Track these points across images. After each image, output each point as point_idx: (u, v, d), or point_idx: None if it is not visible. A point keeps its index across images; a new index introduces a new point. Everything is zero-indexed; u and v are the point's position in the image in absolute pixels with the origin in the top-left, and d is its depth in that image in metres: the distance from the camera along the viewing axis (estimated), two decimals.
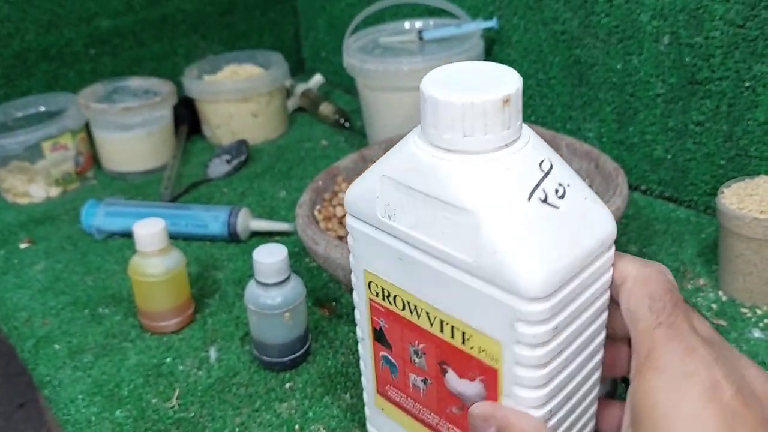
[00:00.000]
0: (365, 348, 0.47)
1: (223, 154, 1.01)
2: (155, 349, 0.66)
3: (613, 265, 0.40)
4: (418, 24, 0.97)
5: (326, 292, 0.72)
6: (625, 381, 0.41)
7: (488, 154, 0.37)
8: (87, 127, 1.00)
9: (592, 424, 0.44)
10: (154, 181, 0.98)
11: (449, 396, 0.42)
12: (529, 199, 0.36)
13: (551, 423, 0.39)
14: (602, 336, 0.41)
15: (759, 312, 0.65)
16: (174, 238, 0.81)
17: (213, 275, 0.76)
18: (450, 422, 0.43)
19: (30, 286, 0.77)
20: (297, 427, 0.57)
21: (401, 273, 0.41)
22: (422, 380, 0.44)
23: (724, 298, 0.67)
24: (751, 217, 0.62)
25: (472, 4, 0.94)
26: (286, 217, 0.86)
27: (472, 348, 0.39)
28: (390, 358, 0.45)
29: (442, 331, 0.40)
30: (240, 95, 1.03)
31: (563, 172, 0.38)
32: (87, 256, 0.82)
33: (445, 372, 0.42)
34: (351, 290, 0.47)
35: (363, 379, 0.50)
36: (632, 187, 0.85)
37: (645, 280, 0.39)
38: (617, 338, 0.42)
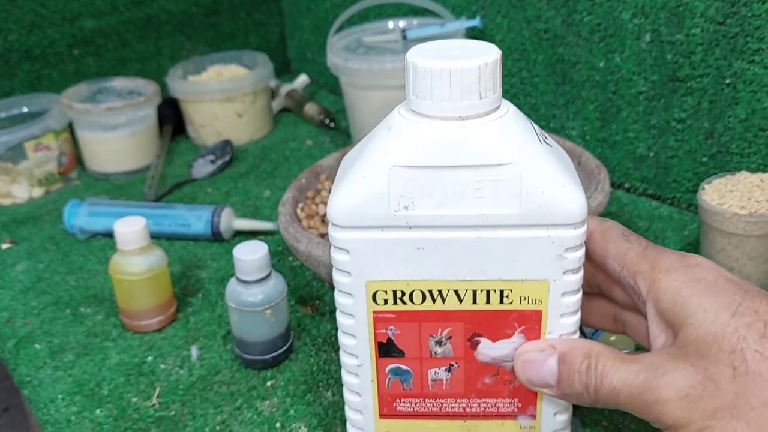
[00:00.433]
0: (363, 373, 0.45)
1: (207, 154, 1.01)
2: (137, 348, 0.66)
3: None
4: (402, 23, 0.97)
5: (309, 291, 0.72)
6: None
7: (495, 112, 0.39)
8: (70, 128, 0.99)
9: None
10: (138, 182, 0.97)
11: (480, 369, 0.44)
12: (540, 142, 0.39)
13: None
14: None
15: None
16: (157, 237, 0.81)
17: (196, 274, 0.76)
18: (480, 397, 0.45)
19: (11, 286, 0.76)
20: (278, 425, 0.56)
21: (420, 264, 0.41)
22: (445, 369, 0.44)
23: None
24: (732, 213, 0.62)
25: (456, 4, 0.94)
26: (270, 217, 0.85)
27: (511, 303, 0.41)
28: (401, 366, 0.44)
29: (475, 302, 0.42)
30: (224, 95, 1.02)
31: None
32: (69, 256, 0.81)
33: (476, 345, 0.43)
34: (333, 288, 0.46)
35: (354, 416, 0.47)
36: (616, 185, 0.86)
37: (609, 228, 0.43)
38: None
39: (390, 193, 0.39)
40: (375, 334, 0.43)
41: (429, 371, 0.44)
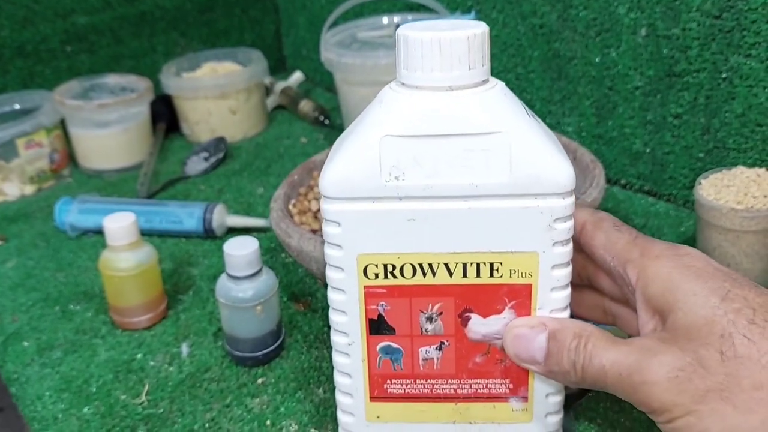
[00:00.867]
0: (354, 352, 0.45)
1: (201, 151, 1.00)
2: (126, 345, 0.65)
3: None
4: (397, 19, 0.96)
5: (302, 287, 0.71)
6: None
7: (485, 84, 0.40)
8: (63, 125, 0.98)
9: None
10: (131, 179, 0.96)
11: (471, 348, 0.44)
12: (528, 115, 0.40)
13: None
14: None
15: None
16: (149, 234, 0.80)
17: (188, 271, 0.75)
18: (471, 377, 0.45)
19: (0, 283, 0.75)
20: (268, 422, 0.55)
21: (411, 236, 0.41)
22: (436, 347, 0.44)
23: None
24: (728, 208, 0.61)
25: None
26: (263, 215, 0.85)
27: (501, 276, 0.41)
28: (392, 345, 0.44)
29: (465, 275, 0.42)
30: (218, 92, 1.02)
31: None
32: (60, 253, 0.80)
33: (466, 322, 0.43)
34: (325, 285, 0.46)
35: (344, 399, 0.47)
36: (612, 182, 0.85)
37: (601, 219, 0.43)
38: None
39: (381, 163, 0.40)
40: (366, 310, 0.43)
41: (420, 350, 0.44)
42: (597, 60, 0.81)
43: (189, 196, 0.92)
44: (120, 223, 0.64)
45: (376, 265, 0.42)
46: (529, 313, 0.42)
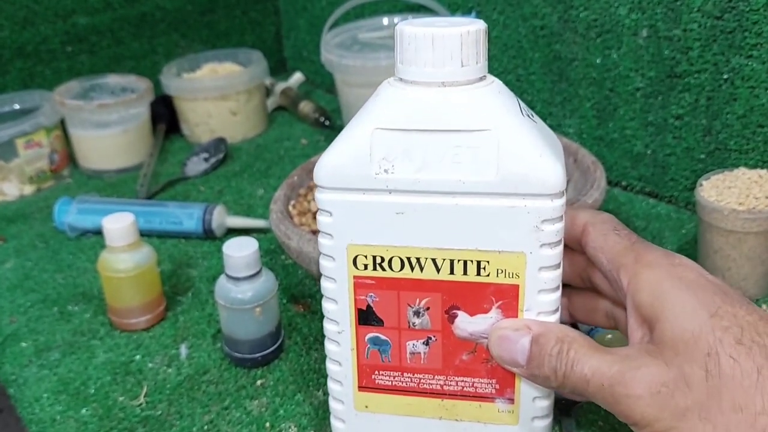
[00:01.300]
0: (343, 341, 0.46)
1: (201, 152, 1.00)
2: (124, 347, 0.65)
3: (570, 217, 0.44)
4: (397, 20, 0.96)
5: (302, 289, 0.71)
6: None
7: (479, 82, 0.39)
8: (63, 125, 0.98)
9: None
10: (131, 180, 0.96)
11: (458, 345, 0.44)
12: (522, 114, 0.40)
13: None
14: None
15: None
16: (148, 235, 0.80)
17: (187, 273, 0.75)
18: (458, 375, 0.45)
19: None
20: (267, 424, 0.55)
21: (399, 229, 0.41)
22: (423, 342, 0.44)
23: None
24: (730, 209, 0.61)
25: (452, 0, 0.93)
26: (263, 216, 0.84)
27: (488, 275, 0.41)
28: (380, 336, 0.45)
29: (452, 272, 0.42)
30: (218, 93, 1.01)
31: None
32: (59, 253, 0.80)
33: (453, 318, 0.43)
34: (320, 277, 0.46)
35: (335, 387, 0.48)
36: (613, 184, 0.85)
37: (603, 221, 0.43)
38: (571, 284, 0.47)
39: (372, 155, 0.40)
40: (355, 300, 0.44)
41: (407, 343, 0.45)
42: (598, 61, 0.80)
43: (189, 197, 0.91)
44: (119, 224, 0.64)
45: (366, 256, 0.43)
46: (515, 314, 0.42)
